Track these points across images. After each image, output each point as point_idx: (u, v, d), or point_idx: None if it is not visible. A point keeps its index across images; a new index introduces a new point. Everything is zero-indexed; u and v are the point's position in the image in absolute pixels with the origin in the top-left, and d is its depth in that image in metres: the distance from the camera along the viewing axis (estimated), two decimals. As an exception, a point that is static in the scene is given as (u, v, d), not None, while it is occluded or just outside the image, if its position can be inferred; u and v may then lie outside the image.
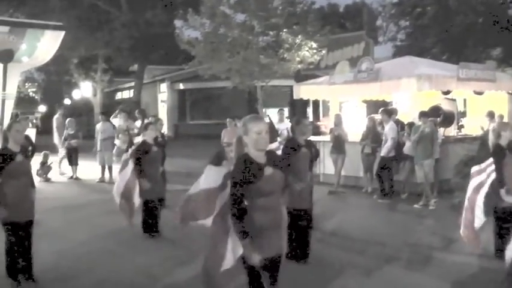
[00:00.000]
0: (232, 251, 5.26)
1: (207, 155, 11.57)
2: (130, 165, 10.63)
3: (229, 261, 5.30)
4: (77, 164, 19.49)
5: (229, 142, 16.49)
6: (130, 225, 10.60)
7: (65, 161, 19.91)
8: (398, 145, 14.45)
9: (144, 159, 10.67)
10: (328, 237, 9.32)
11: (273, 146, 10.51)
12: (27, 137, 13.05)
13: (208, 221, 5.75)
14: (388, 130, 14.62)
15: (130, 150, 11.34)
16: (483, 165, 8.82)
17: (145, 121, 17.93)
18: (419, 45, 34.17)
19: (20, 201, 7.74)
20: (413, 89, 15.44)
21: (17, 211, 7.69)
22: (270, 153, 5.48)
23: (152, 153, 10.87)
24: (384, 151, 14.57)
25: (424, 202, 13.31)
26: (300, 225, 8.85)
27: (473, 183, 8.83)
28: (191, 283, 7.94)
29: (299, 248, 8.83)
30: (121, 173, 10.79)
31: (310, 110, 26.92)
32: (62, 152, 20.00)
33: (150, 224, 10.82)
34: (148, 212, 10.83)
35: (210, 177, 5.97)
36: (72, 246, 10.23)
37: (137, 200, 10.52)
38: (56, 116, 21.51)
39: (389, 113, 15.27)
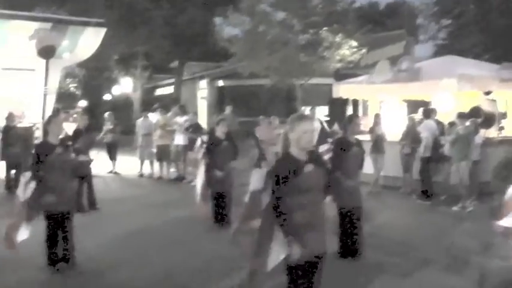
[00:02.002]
0: (276, 252, 5.26)
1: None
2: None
3: (272, 262, 5.30)
4: (115, 159, 19.75)
5: (261, 140, 16.58)
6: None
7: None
8: (435, 145, 14.31)
9: (213, 152, 11.17)
10: (365, 237, 9.28)
11: (325, 147, 10.44)
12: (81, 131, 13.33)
13: (257, 223, 5.84)
14: (421, 129, 14.52)
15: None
16: None
17: (185, 117, 18.12)
18: (460, 44, 33.80)
19: (60, 192, 7.97)
20: (454, 89, 15.31)
21: (57, 202, 7.95)
22: (312, 152, 5.51)
23: (222, 147, 11.24)
24: (421, 151, 14.49)
25: (463, 204, 13.18)
26: (350, 223, 8.92)
27: None
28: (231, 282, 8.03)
29: (350, 245, 8.92)
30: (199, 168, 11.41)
31: (349, 109, 26.79)
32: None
33: (219, 214, 11.32)
34: (217, 203, 11.36)
35: (255, 180, 6.10)
36: (111, 239, 10.40)
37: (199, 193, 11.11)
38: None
39: (428, 112, 15.16)
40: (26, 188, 7.84)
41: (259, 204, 5.89)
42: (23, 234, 7.79)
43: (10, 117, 15.89)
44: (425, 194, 14.29)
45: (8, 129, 15.57)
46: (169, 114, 19.37)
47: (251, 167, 9.56)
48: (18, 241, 7.80)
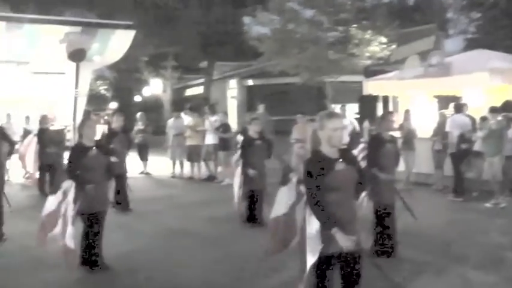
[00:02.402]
0: (312, 253, 5.26)
1: (277, 151, 11.82)
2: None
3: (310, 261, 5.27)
4: (146, 159, 19.89)
5: (298, 138, 16.54)
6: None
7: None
8: (461, 140, 14.07)
9: (247, 151, 11.27)
10: (398, 235, 9.22)
11: (359, 148, 10.24)
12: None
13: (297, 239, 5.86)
14: (447, 124, 14.42)
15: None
16: None
17: (215, 117, 18.17)
18: (490, 37, 33.40)
19: (96, 192, 8.14)
20: (485, 83, 15.15)
21: (92, 202, 8.11)
22: (344, 150, 5.51)
23: (255, 146, 11.33)
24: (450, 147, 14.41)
25: (496, 200, 13.04)
26: (386, 220, 8.90)
27: None
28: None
29: (385, 243, 8.88)
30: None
31: (380, 106, 26.66)
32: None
33: (253, 213, 11.35)
34: (250, 202, 11.38)
35: (284, 199, 6.14)
36: (144, 239, 10.49)
37: (236, 191, 11.23)
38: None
39: (458, 107, 15.01)
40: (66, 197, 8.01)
41: (287, 228, 5.98)
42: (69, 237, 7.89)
43: (44, 119, 16.07)
44: (458, 190, 14.14)
45: (42, 131, 15.76)
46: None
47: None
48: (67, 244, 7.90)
